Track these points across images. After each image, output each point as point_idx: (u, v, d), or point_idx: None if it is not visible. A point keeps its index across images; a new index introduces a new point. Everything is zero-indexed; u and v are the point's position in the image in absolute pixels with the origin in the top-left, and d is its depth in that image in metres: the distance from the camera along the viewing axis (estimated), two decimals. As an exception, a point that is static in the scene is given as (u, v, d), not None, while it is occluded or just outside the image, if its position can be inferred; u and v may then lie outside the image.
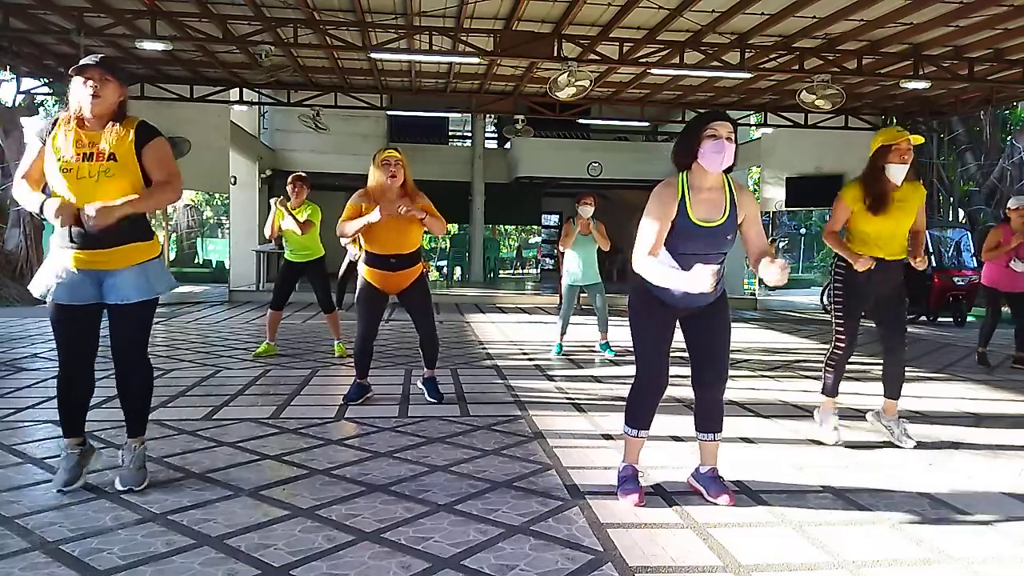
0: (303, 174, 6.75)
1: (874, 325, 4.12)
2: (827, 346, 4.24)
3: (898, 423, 4.01)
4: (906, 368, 4.13)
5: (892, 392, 4.04)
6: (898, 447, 3.93)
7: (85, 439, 3.12)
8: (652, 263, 2.83)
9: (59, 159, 2.86)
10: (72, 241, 2.88)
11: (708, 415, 3.10)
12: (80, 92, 2.89)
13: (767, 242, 3.10)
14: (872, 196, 3.79)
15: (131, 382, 3.10)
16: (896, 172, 3.77)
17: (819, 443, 4.00)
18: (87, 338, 3.01)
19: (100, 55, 3.04)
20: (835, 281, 3.98)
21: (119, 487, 2.99)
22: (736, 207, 2.90)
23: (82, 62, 2.93)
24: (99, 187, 2.84)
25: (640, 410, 3.05)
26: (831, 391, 4.04)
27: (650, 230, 2.83)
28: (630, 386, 3.10)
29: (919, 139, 3.82)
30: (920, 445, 3.98)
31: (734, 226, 2.90)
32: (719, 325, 3.03)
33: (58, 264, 2.93)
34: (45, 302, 2.97)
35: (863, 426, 4.40)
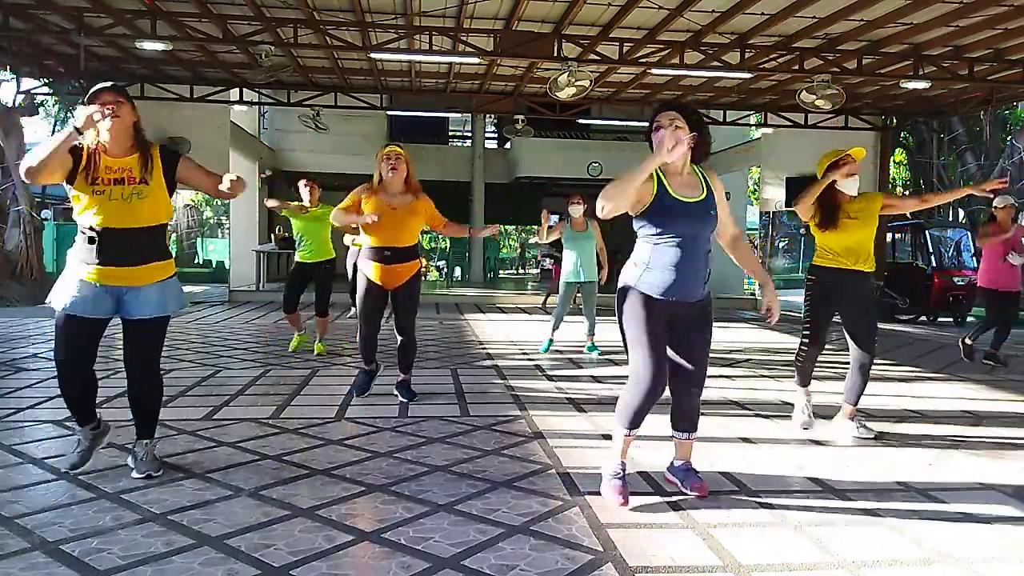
0: (313, 175, 7.05)
1: (848, 339, 4.20)
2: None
3: (858, 421, 4.16)
4: (871, 379, 4.26)
5: (852, 398, 4.16)
6: (862, 438, 4.07)
7: (99, 421, 3.31)
8: (618, 182, 2.79)
9: (89, 180, 2.97)
10: (100, 259, 3.00)
11: (685, 416, 3.14)
12: (96, 117, 2.95)
13: (736, 226, 3.16)
14: (822, 212, 4.01)
15: (147, 393, 3.26)
16: (848, 185, 3.97)
17: (819, 443, 4.01)
18: (94, 346, 3.16)
19: (110, 82, 3.11)
20: (807, 287, 4.21)
21: (137, 475, 3.16)
22: (711, 187, 2.99)
23: (93, 90, 3.01)
24: (131, 207, 3.01)
25: (638, 409, 2.98)
26: (804, 382, 4.35)
27: (609, 186, 2.82)
28: (625, 386, 3.02)
29: (861, 152, 4.01)
30: (920, 445, 3.99)
31: (714, 203, 2.96)
32: (704, 338, 3.06)
33: (79, 278, 3.04)
34: (55, 308, 3.08)
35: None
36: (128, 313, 3.11)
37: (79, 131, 2.88)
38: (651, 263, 2.91)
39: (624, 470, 3.07)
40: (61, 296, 3.06)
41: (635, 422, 3.01)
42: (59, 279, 3.12)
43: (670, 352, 3.02)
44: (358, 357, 5.08)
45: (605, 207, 2.81)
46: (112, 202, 2.98)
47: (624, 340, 3.02)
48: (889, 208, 4.15)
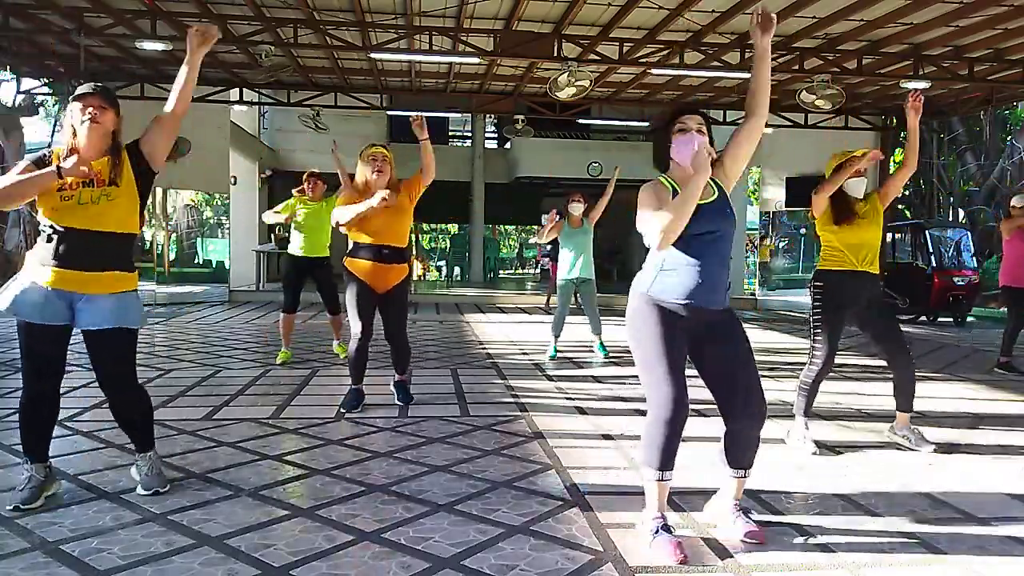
0: (317, 171, 6.84)
1: (873, 344, 4.08)
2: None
3: (912, 431, 3.99)
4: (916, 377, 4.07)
5: (903, 405, 4.00)
6: (909, 449, 3.91)
7: (50, 463, 3.00)
8: (662, 215, 2.51)
9: (57, 186, 2.81)
10: (56, 259, 2.83)
11: (745, 449, 2.71)
12: (78, 118, 2.89)
13: None
14: (836, 210, 3.95)
15: (122, 406, 3.07)
16: (854, 186, 3.94)
17: (819, 443, 3.99)
18: (58, 355, 2.94)
19: (98, 84, 3.01)
20: (814, 297, 3.97)
21: (143, 492, 2.99)
22: (719, 182, 2.70)
23: (81, 90, 2.93)
24: (99, 209, 2.86)
25: (663, 444, 2.53)
26: (808, 410, 3.98)
27: (655, 213, 2.54)
28: (645, 421, 2.62)
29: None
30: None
31: (728, 198, 2.70)
32: (748, 349, 2.68)
33: (30, 281, 2.86)
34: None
35: (863, 426, 4.40)
36: (80, 322, 2.90)
37: (60, 175, 2.76)
38: (667, 264, 2.58)
39: (665, 520, 2.59)
40: (6, 297, 2.85)
41: (666, 462, 2.54)
42: (11, 280, 2.91)
43: (716, 376, 2.68)
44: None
45: (667, 238, 2.50)
46: (81, 205, 2.83)
47: (637, 362, 2.63)
48: (885, 196, 4.06)
